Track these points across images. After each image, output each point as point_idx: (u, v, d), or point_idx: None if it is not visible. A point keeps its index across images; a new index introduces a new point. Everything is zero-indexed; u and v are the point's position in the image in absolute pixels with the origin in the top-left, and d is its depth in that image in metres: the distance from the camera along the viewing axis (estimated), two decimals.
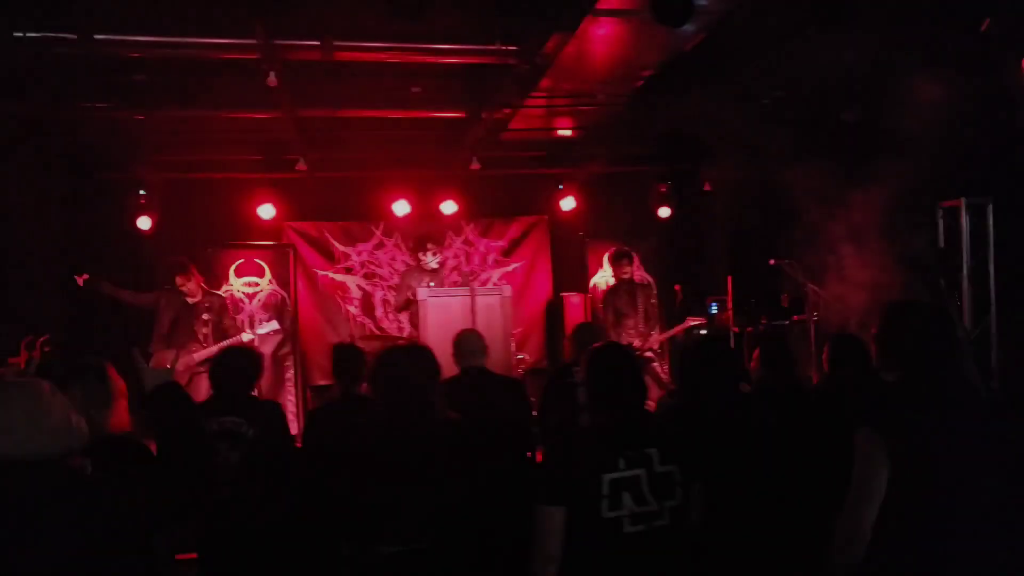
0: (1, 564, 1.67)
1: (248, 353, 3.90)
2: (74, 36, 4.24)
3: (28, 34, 4.17)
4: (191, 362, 6.13)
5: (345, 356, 3.89)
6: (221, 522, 3.42)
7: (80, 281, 6.33)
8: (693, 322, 7.19)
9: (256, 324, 7.84)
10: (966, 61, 4.61)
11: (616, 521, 2.24)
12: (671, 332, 7.30)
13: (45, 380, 1.91)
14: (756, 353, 3.49)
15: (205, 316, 6.29)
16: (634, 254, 7.36)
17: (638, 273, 7.47)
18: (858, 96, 5.51)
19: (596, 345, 2.60)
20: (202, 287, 6.42)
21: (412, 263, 7.23)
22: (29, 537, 1.68)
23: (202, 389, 5.98)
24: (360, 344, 4.31)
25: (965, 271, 5.40)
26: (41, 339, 6.15)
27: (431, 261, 6.71)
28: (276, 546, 3.46)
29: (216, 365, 3.69)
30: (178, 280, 6.29)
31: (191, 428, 2.05)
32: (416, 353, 2.88)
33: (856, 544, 2.11)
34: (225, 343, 6.01)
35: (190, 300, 6.33)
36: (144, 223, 7.44)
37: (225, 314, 6.43)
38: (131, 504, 1.82)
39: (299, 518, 3.46)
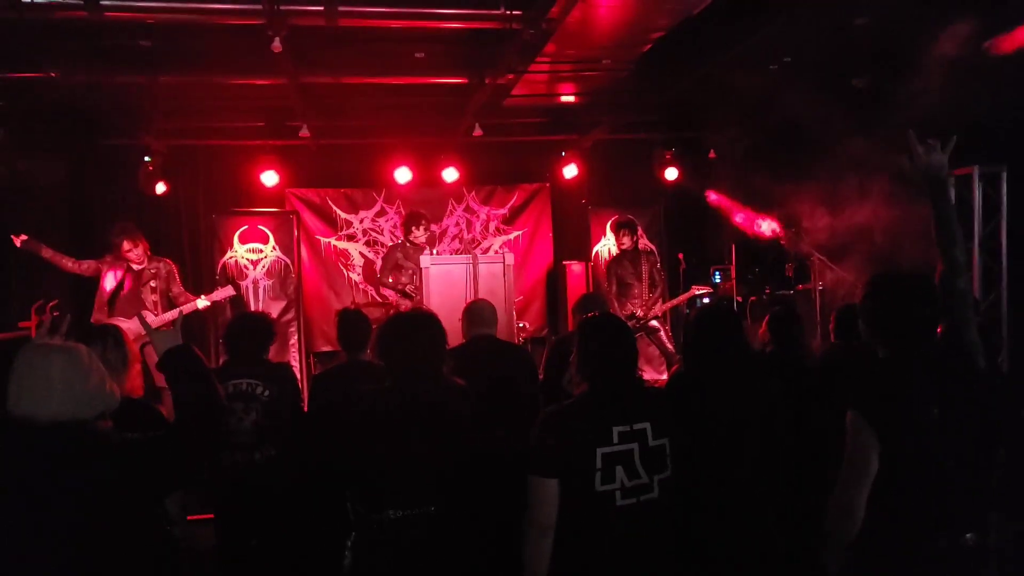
0: (27, 521, 1.71)
1: (261, 317, 3.96)
2: (80, 1, 4.19)
3: (35, 0, 4.11)
4: (140, 330, 6.02)
5: (350, 322, 3.91)
6: (237, 482, 3.49)
7: (17, 242, 6.04)
8: (698, 291, 7.19)
9: (260, 290, 7.90)
10: (980, 22, 4.52)
11: (608, 494, 2.27)
12: (675, 301, 7.30)
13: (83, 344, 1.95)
14: (764, 323, 3.51)
15: (152, 283, 6.18)
16: (637, 223, 7.33)
17: (641, 241, 7.43)
18: (869, 62, 5.42)
19: (589, 315, 2.61)
20: (147, 253, 6.25)
21: (399, 238, 7.23)
22: (54, 495, 1.73)
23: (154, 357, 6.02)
24: (365, 311, 4.33)
25: (976, 241, 5.34)
26: (51, 304, 6.20)
27: (420, 236, 6.80)
28: (290, 506, 3.53)
29: (231, 328, 3.73)
30: (125, 245, 6.10)
31: (209, 390, 2.07)
32: (422, 319, 2.88)
33: (848, 520, 2.13)
34: (179, 310, 5.89)
35: (136, 267, 6.16)
36: (159, 188, 7.40)
37: (173, 281, 6.28)
38: (152, 467, 1.86)
39: (308, 481, 3.52)
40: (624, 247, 7.05)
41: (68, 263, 6.28)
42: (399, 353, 2.72)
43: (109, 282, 6.17)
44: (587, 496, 2.27)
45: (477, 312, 3.77)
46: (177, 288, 6.32)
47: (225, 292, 6.34)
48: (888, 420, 2.09)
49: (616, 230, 7.24)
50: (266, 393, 3.53)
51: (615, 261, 7.19)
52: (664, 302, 7.18)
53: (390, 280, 6.87)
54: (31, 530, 1.72)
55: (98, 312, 6.22)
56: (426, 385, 2.69)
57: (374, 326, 3.53)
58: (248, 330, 3.68)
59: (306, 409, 4.11)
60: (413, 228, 6.88)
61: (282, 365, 3.95)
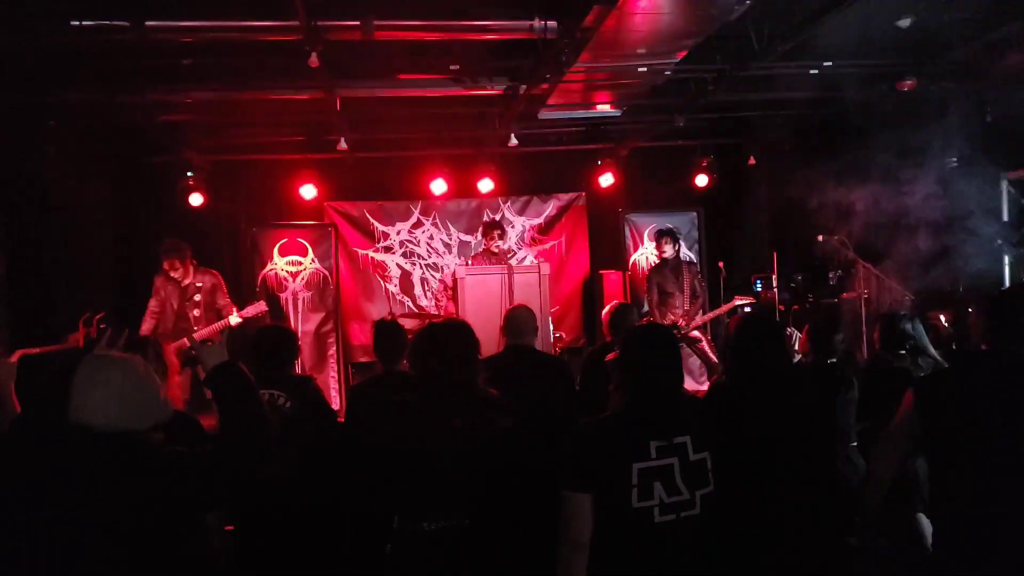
0: (77, 527, 1.73)
1: (284, 330, 3.95)
2: (127, 23, 4.30)
3: (84, 23, 4.24)
4: (184, 345, 5.92)
5: (386, 333, 3.90)
6: (259, 495, 3.48)
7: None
8: (740, 301, 7.04)
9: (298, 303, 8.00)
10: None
11: (646, 511, 2.19)
12: (716, 312, 7.15)
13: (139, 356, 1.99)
14: (805, 332, 3.42)
15: (196, 297, 6.25)
16: (678, 231, 7.23)
17: (681, 251, 7.33)
18: (916, 62, 5.27)
19: (637, 325, 2.55)
20: (193, 266, 6.31)
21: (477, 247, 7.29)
22: (105, 503, 1.75)
23: (182, 380, 6.05)
24: (400, 322, 4.33)
25: None
26: (98, 316, 6.36)
27: (496, 247, 6.82)
28: (312, 521, 3.51)
29: (253, 342, 3.74)
30: (165, 265, 6.21)
31: (254, 406, 2.08)
32: (456, 329, 2.87)
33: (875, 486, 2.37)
34: (215, 326, 6.04)
35: (182, 283, 6.27)
36: (196, 199, 7.51)
37: (219, 293, 6.31)
38: (200, 480, 1.88)
39: (339, 493, 3.50)
40: (665, 256, 6.95)
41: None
42: (432, 363, 2.71)
43: (157, 298, 6.31)
44: (623, 512, 2.20)
45: (516, 321, 3.73)
46: (223, 300, 6.37)
47: (257, 308, 6.38)
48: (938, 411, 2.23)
49: (657, 238, 7.15)
50: (288, 405, 3.50)
51: (655, 270, 7.09)
52: (705, 313, 7.06)
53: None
54: (80, 537, 1.74)
55: (146, 324, 6.34)
56: (459, 396, 2.67)
57: (410, 337, 3.52)
58: (271, 342, 3.67)
59: (342, 420, 4.11)
60: (487, 240, 6.94)
61: (306, 378, 3.96)
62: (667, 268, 6.96)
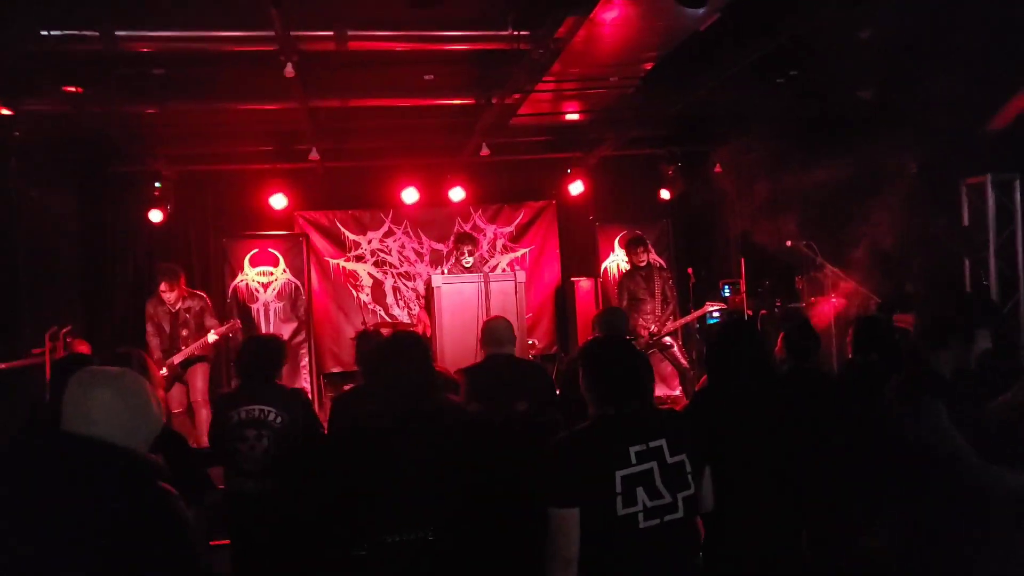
0: (64, 538, 1.70)
1: (271, 341, 3.94)
2: (96, 33, 4.25)
3: (52, 32, 4.18)
4: (172, 364, 6.37)
5: (366, 343, 3.91)
6: (249, 509, 3.47)
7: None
8: (712, 307, 7.16)
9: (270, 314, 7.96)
10: (989, 30, 4.54)
11: (631, 517, 2.18)
12: (688, 317, 7.28)
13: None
14: (780, 338, 3.50)
15: (186, 317, 6.43)
16: (646, 238, 7.35)
17: (652, 257, 7.43)
18: (875, 72, 5.45)
19: (594, 338, 2.56)
20: (184, 291, 6.48)
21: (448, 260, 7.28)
22: (98, 516, 1.72)
23: (176, 393, 6.42)
24: (381, 332, 4.34)
25: (992, 248, 5.34)
26: (64, 331, 6.23)
27: (466, 262, 6.78)
28: (302, 534, 3.50)
29: (242, 352, 3.72)
30: (162, 287, 6.36)
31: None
32: (406, 342, 2.87)
33: None
34: (192, 347, 6.32)
35: (172, 308, 6.41)
36: (155, 216, 7.49)
37: (207, 314, 6.50)
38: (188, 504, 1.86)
39: (320, 507, 3.49)
40: (640, 263, 7.04)
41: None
42: (387, 377, 2.72)
43: (152, 323, 6.44)
44: (609, 522, 2.18)
45: (493, 331, 3.77)
46: (211, 321, 6.49)
47: (232, 326, 6.59)
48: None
49: (627, 246, 7.25)
50: (278, 420, 3.49)
51: (627, 276, 7.18)
52: (676, 318, 7.16)
53: None
54: (66, 547, 1.70)
55: (152, 348, 6.44)
56: (417, 407, 2.67)
57: None
58: (259, 353, 3.66)
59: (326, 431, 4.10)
60: (458, 254, 6.89)
61: (296, 392, 3.93)
62: (639, 275, 7.06)
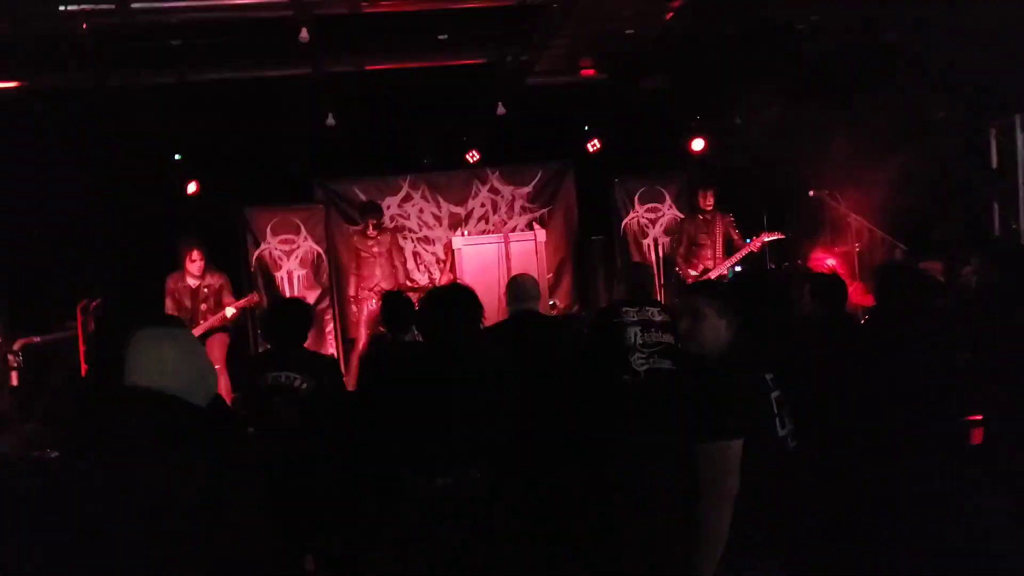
0: (171, 497, 1.75)
1: (298, 306, 3.96)
2: (113, 6, 4.26)
3: (69, 7, 4.20)
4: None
5: (393, 304, 3.97)
6: (277, 473, 3.53)
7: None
8: (768, 237, 6.83)
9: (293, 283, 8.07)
10: None
11: (784, 440, 2.21)
12: (741, 252, 6.88)
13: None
14: (806, 289, 3.49)
15: (205, 292, 6.43)
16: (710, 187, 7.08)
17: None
18: (900, 14, 5.30)
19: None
20: (205, 266, 6.47)
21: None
22: (191, 473, 1.77)
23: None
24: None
25: (1021, 193, 5.21)
26: (94, 304, 6.37)
27: (371, 233, 6.89)
28: (332, 497, 3.56)
29: (268, 320, 3.78)
30: (196, 254, 6.36)
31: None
32: (457, 291, 2.97)
33: None
34: (211, 320, 6.32)
35: (192, 284, 6.42)
36: (191, 187, 7.58)
37: (225, 292, 6.50)
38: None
39: (351, 468, 3.54)
40: (707, 207, 6.88)
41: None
42: (436, 321, 2.81)
43: (172, 298, 6.46)
44: (771, 445, 2.17)
45: (520, 287, 3.80)
46: (229, 299, 6.50)
47: (250, 299, 6.63)
48: None
49: (693, 190, 7.04)
50: (304, 386, 3.50)
51: (687, 221, 7.04)
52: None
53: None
54: (159, 502, 1.74)
55: None
56: (461, 352, 2.76)
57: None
58: (286, 318, 3.68)
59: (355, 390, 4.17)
60: (363, 220, 6.97)
61: (323, 357, 3.97)
62: (701, 219, 6.92)
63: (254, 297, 6.80)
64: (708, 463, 2.12)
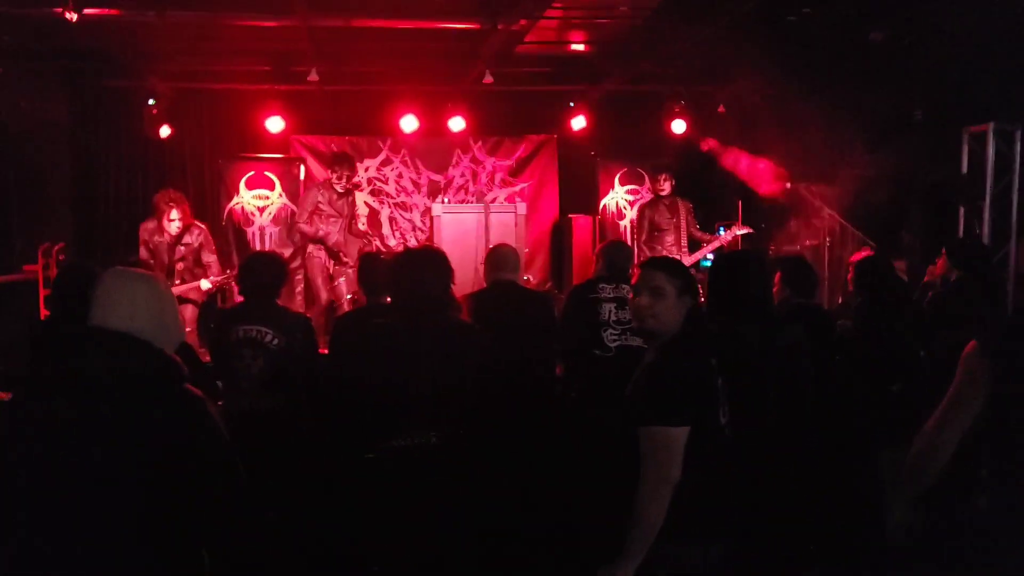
0: (122, 443, 1.73)
1: (272, 261, 3.90)
2: None
3: None
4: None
5: (370, 266, 3.93)
6: (241, 428, 3.49)
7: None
8: (740, 231, 6.81)
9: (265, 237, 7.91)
10: None
11: (723, 427, 2.20)
12: (711, 246, 6.86)
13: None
14: (778, 276, 3.54)
15: (182, 249, 6.12)
16: (664, 172, 7.11)
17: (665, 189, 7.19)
18: (887, 15, 5.36)
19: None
20: (188, 222, 6.12)
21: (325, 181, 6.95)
22: (144, 419, 1.75)
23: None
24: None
25: (988, 199, 5.36)
26: (57, 247, 6.20)
27: (339, 184, 6.64)
28: (297, 453, 3.55)
29: (242, 273, 3.72)
30: (177, 213, 5.97)
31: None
32: (429, 254, 2.96)
33: (932, 465, 2.01)
34: (186, 287, 6.00)
35: (169, 235, 6.05)
36: (163, 131, 7.28)
37: (205, 249, 6.18)
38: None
39: (322, 425, 3.54)
40: (661, 191, 6.92)
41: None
42: (405, 280, 2.82)
43: (146, 248, 6.14)
44: (712, 434, 2.16)
45: (501, 257, 3.79)
46: (209, 257, 6.19)
47: (228, 277, 6.29)
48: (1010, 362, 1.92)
49: (651, 175, 7.04)
50: (275, 342, 3.47)
51: (649, 206, 7.02)
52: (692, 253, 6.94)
53: (305, 226, 6.63)
54: (109, 446, 1.71)
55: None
56: (429, 316, 2.77)
57: None
58: (260, 271, 3.63)
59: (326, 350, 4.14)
60: (335, 171, 6.64)
61: (298, 316, 3.91)
62: (662, 204, 6.94)
63: (232, 274, 6.31)
64: (650, 446, 2.09)
